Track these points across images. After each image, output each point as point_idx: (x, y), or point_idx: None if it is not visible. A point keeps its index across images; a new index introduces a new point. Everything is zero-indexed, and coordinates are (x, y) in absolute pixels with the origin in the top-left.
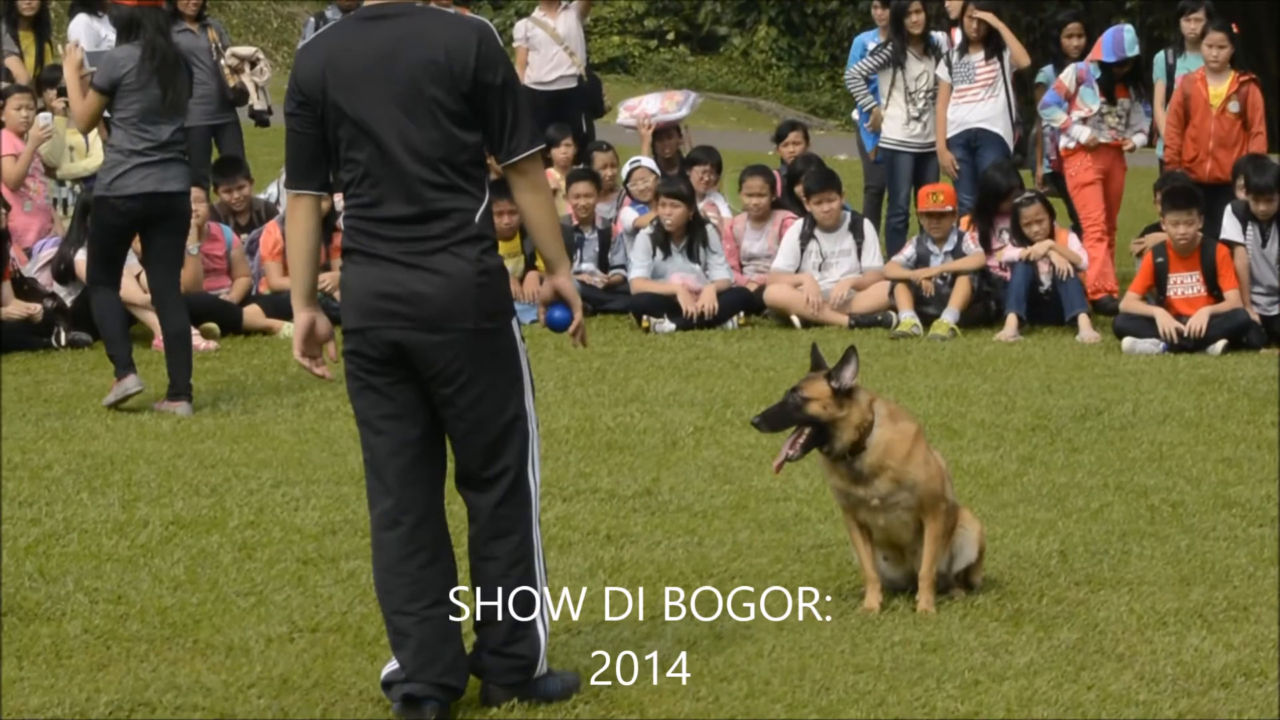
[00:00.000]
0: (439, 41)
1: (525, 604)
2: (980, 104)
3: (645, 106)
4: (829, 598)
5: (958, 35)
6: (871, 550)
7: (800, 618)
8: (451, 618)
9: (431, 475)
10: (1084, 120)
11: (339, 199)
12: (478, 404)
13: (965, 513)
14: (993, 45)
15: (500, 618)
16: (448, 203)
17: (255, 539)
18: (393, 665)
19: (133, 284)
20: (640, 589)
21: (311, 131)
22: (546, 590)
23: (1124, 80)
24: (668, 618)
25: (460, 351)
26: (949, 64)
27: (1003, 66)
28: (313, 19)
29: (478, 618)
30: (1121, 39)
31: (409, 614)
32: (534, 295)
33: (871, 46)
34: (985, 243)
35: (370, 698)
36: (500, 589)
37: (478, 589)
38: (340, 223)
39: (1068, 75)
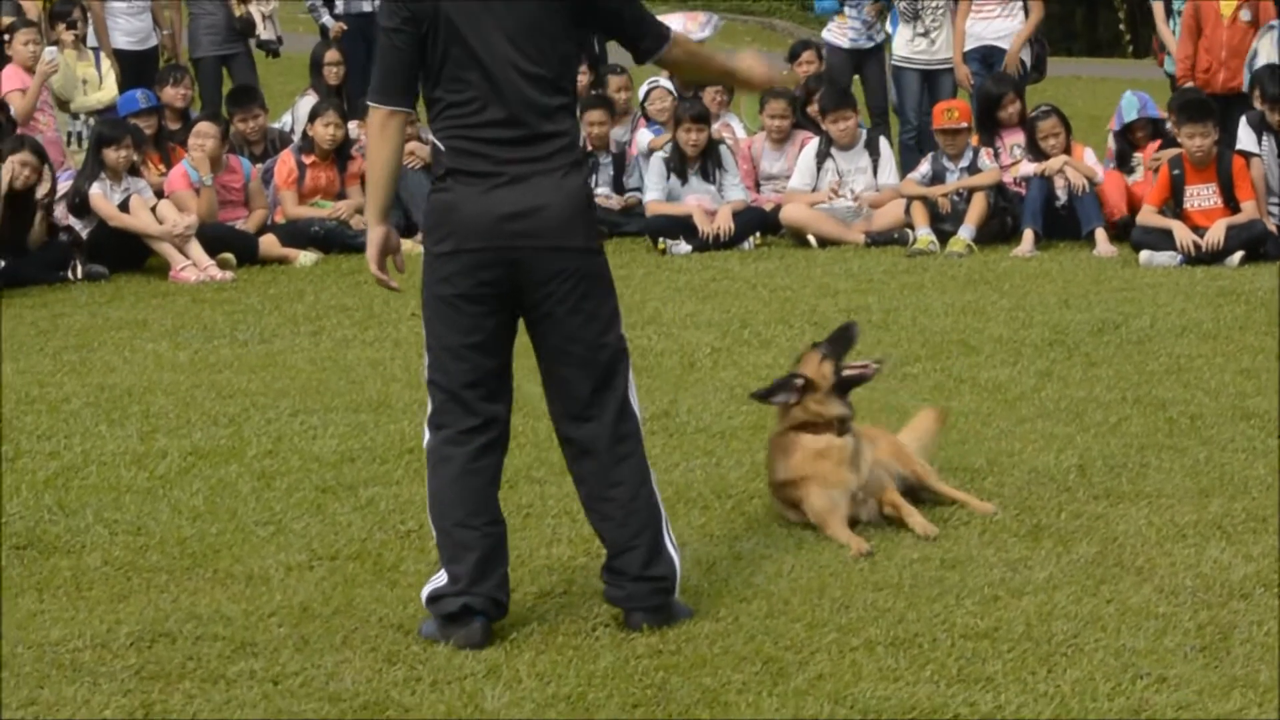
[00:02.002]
0: None
1: (657, 525)
2: (997, 20)
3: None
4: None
5: None
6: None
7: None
8: (503, 543)
9: (508, 406)
10: None
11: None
12: (590, 324)
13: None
14: None
15: (636, 542)
16: (556, 124)
17: (274, 468)
18: (440, 580)
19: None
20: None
21: (412, 48)
22: (669, 525)
23: (1144, 142)
24: (686, 539)
25: (576, 271)
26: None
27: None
28: None
29: (612, 549)
30: (1120, 109)
31: (473, 528)
32: None
33: None
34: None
35: (391, 623)
36: (632, 515)
37: (606, 521)
38: (433, 140)
39: None
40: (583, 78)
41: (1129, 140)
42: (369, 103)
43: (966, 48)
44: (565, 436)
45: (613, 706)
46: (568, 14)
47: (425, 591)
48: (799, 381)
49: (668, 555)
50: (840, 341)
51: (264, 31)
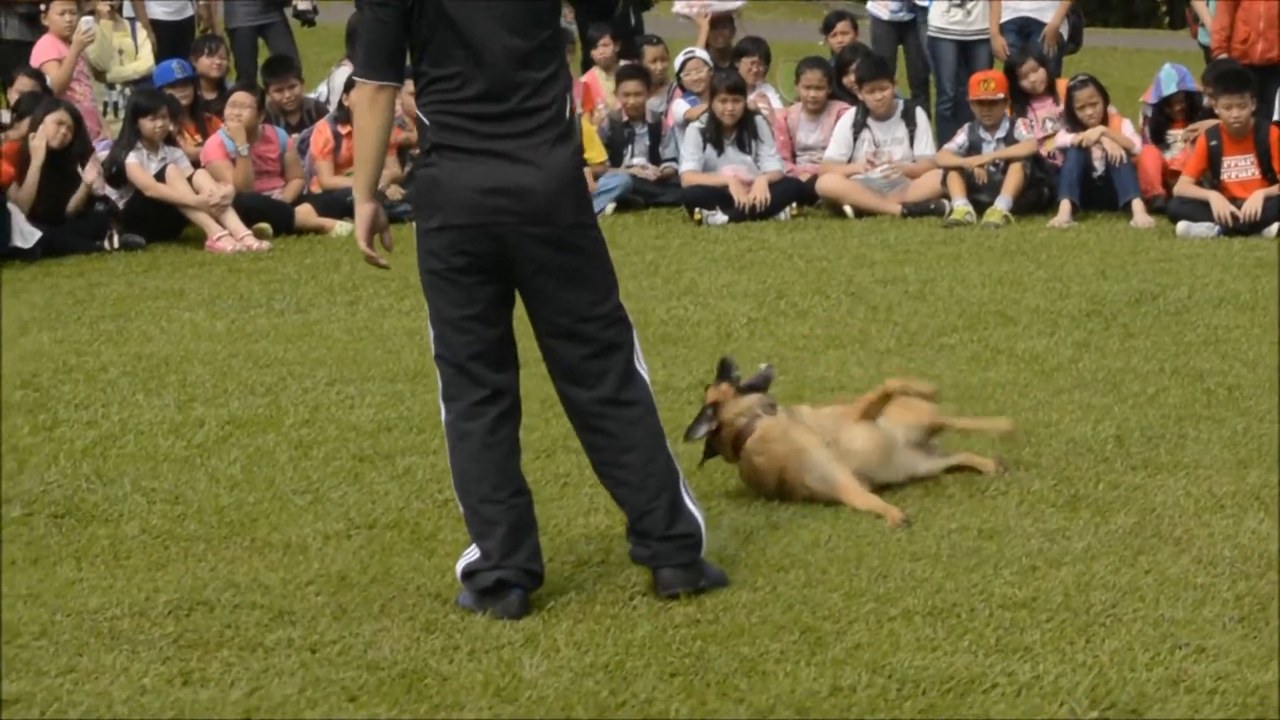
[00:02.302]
0: None
1: (675, 486)
2: None
3: None
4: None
5: None
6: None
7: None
8: (530, 511)
9: (512, 373)
10: None
11: None
12: (579, 297)
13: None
14: None
15: (655, 504)
16: (541, 98)
17: (311, 437)
18: (472, 555)
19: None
20: (695, 481)
21: (397, 21)
22: (686, 483)
23: (1182, 116)
24: (723, 510)
25: (564, 245)
26: None
27: None
28: None
29: (632, 513)
30: (1159, 81)
31: (498, 502)
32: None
33: None
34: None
35: (429, 592)
36: (648, 478)
37: (622, 487)
38: (419, 115)
39: None
40: (606, 51)
41: (1165, 114)
42: (355, 78)
43: (1003, 19)
44: (567, 401)
45: (650, 675)
46: None
47: (459, 566)
48: (709, 410)
49: (689, 513)
50: (724, 372)
51: (300, 1)
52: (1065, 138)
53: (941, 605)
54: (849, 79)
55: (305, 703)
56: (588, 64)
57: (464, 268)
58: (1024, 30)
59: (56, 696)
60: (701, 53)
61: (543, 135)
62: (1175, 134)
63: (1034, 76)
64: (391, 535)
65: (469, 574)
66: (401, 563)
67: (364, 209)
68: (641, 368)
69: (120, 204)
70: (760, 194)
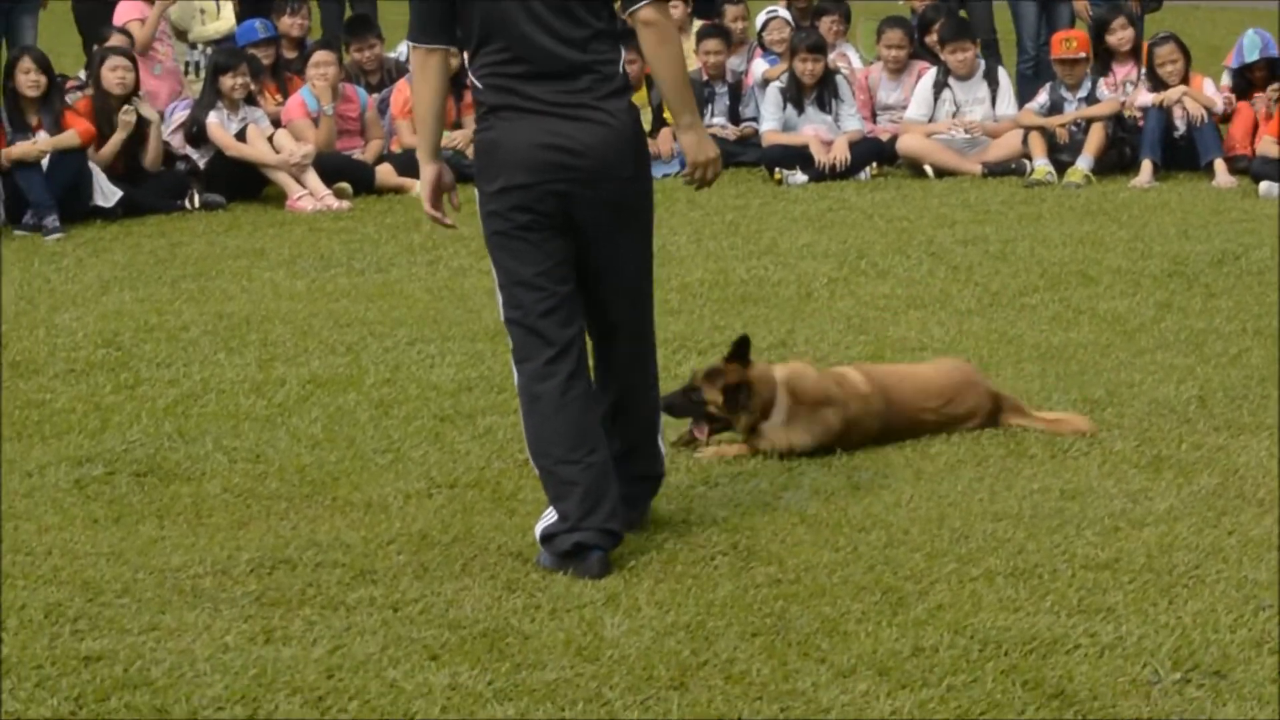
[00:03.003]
0: None
1: (656, 431)
2: None
3: None
4: (965, 447)
5: None
6: None
7: (939, 465)
8: (608, 468)
9: (582, 329)
10: None
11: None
12: (633, 252)
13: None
14: None
15: (644, 444)
16: (591, 54)
17: (392, 396)
18: (550, 518)
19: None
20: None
21: None
22: (662, 429)
23: (1263, 83)
24: (804, 470)
25: (623, 200)
26: None
27: None
28: None
29: (622, 450)
30: (1241, 46)
31: (574, 462)
32: (670, 151)
33: None
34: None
35: (510, 551)
36: (643, 419)
37: (620, 425)
38: (472, 79)
39: None
40: (678, 11)
41: (1247, 79)
42: (409, 42)
43: None
44: (596, 351)
45: (731, 635)
46: None
47: (538, 529)
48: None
49: (662, 456)
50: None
51: None
52: (1146, 97)
53: (1023, 566)
54: (931, 38)
55: (387, 661)
56: None
57: (530, 224)
58: None
59: (139, 654)
60: (784, 12)
61: (597, 91)
62: (1258, 98)
63: (1122, 34)
64: (473, 494)
65: (548, 537)
66: (483, 522)
67: (428, 170)
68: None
69: (201, 163)
70: (840, 153)
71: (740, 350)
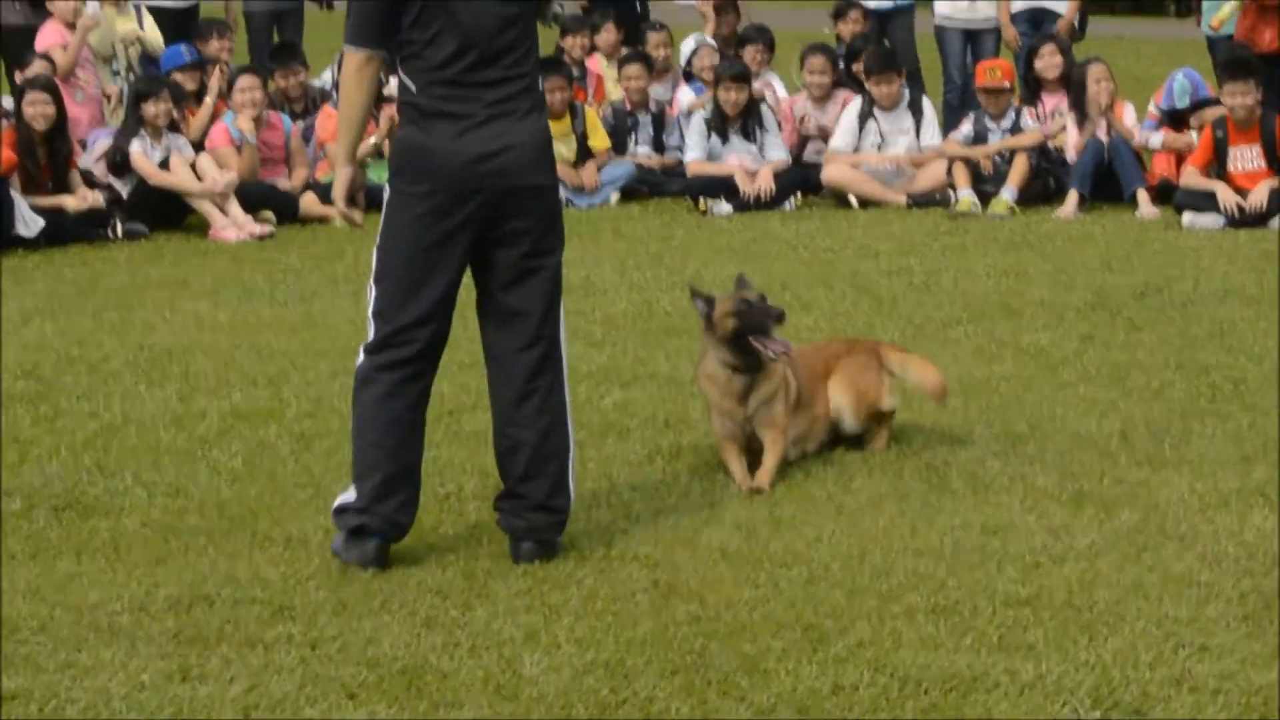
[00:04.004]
0: None
1: (564, 458)
2: None
3: None
4: (887, 482)
5: None
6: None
7: (861, 500)
8: (413, 471)
9: (442, 341)
10: None
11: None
12: (547, 254)
13: (834, 389)
14: None
15: (544, 472)
16: (521, 67)
17: (313, 429)
18: (348, 496)
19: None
20: (699, 475)
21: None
22: (574, 462)
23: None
24: (726, 504)
25: (539, 205)
26: None
27: None
28: None
29: (518, 475)
30: (1171, 89)
31: (382, 448)
32: (595, 183)
33: None
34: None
35: (429, 588)
36: (543, 446)
37: (515, 451)
38: (402, 85)
39: None
40: (609, 38)
41: (1176, 119)
42: (345, 45)
43: (1017, 9)
44: (503, 366)
45: (651, 673)
46: None
47: (335, 503)
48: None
49: (569, 490)
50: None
51: None
52: (1073, 135)
53: (944, 603)
54: (858, 66)
55: (305, 700)
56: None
57: (447, 230)
58: (1036, 20)
59: (55, 693)
60: (712, 40)
61: (522, 101)
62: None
63: (1050, 60)
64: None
65: (340, 510)
66: (402, 557)
67: (344, 170)
68: (564, 344)
69: (124, 192)
70: (765, 184)
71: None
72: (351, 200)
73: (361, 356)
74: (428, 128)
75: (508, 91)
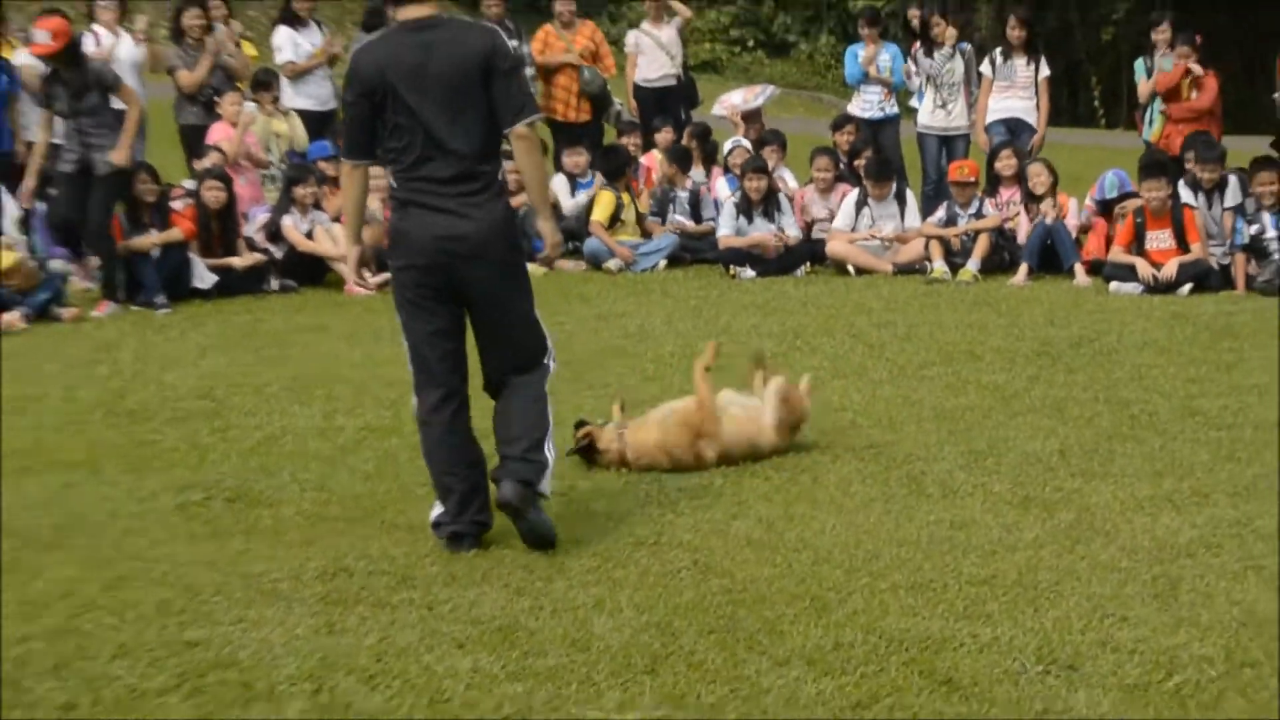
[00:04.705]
0: (465, 42)
1: (542, 430)
2: (1021, 100)
3: (732, 99)
4: (876, 488)
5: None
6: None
7: (856, 501)
8: (480, 478)
9: (464, 376)
10: None
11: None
12: (512, 310)
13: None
14: (1032, 51)
15: (521, 433)
16: (480, 165)
17: None
18: (438, 510)
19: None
20: (729, 480)
21: (370, 115)
22: (554, 447)
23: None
24: (751, 503)
25: (492, 266)
26: (993, 64)
27: (1037, 70)
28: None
29: (505, 439)
30: (1103, 184)
31: (453, 474)
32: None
33: (863, 55)
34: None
35: (519, 564)
36: (524, 416)
37: (506, 421)
38: (390, 182)
39: None
40: (667, 136)
41: (1108, 208)
42: (341, 158)
43: (996, 116)
44: (496, 384)
45: (692, 632)
46: (482, 80)
47: (430, 516)
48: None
49: (544, 456)
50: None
51: None
52: (1025, 223)
53: (920, 581)
54: (858, 162)
55: (423, 649)
56: (649, 146)
57: (425, 295)
58: (1012, 127)
59: (229, 641)
60: (745, 141)
61: (481, 195)
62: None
63: (1006, 161)
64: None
65: (436, 525)
66: (498, 540)
67: (352, 249)
68: (551, 360)
69: (278, 255)
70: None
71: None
72: (365, 267)
73: (414, 401)
74: (406, 215)
75: (469, 186)
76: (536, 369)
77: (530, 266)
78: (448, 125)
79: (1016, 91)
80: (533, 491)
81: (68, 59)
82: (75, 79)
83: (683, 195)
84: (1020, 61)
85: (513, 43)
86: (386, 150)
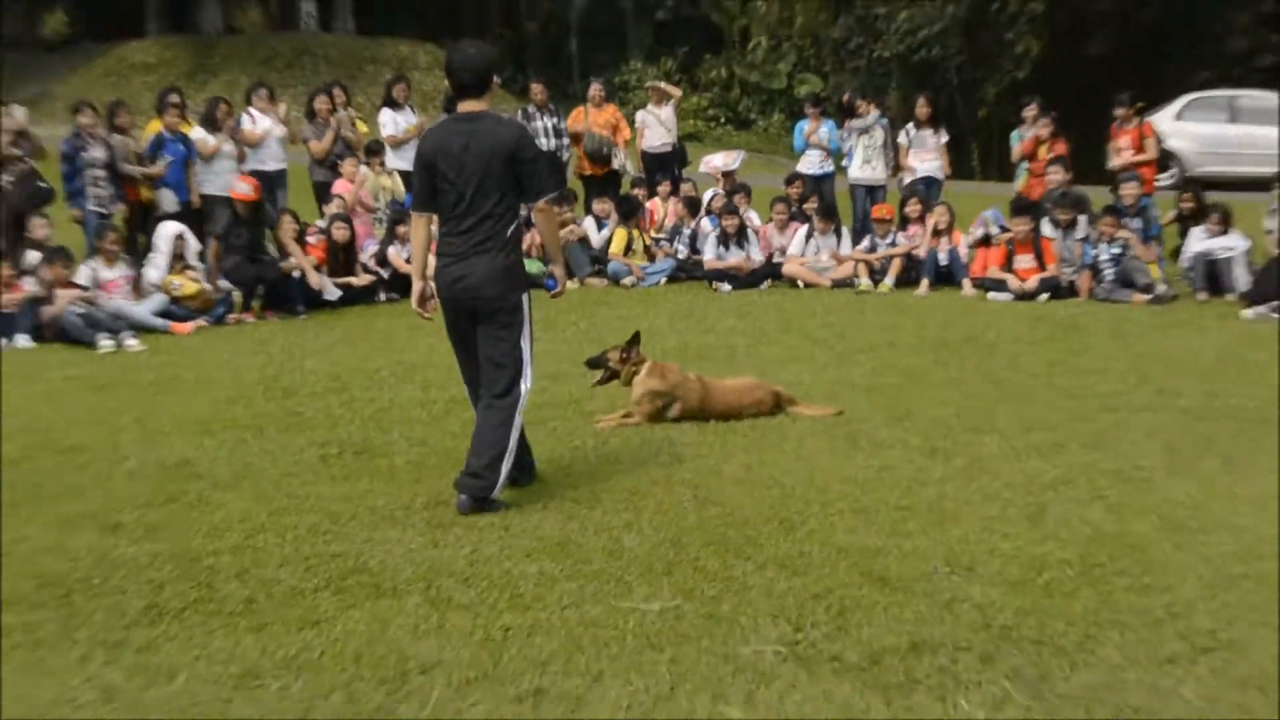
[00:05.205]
0: (497, 134)
1: (500, 451)
2: (931, 162)
3: (714, 161)
4: (825, 441)
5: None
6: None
7: (810, 451)
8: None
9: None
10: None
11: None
12: (501, 342)
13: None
14: (935, 123)
15: (482, 452)
16: (496, 224)
17: None
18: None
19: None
20: (720, 437)
21: (428, 179)
22: (510, 459)
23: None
24: (736, 455)
25: (491, 315)
26: (908, 135)
27: (939, 138)
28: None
29: (472, 456)
30: (984, 219)
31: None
32: (639, 272)
33: (807, 128)
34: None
35: (569, 498)
36: (486, 437)
37: (474, 440)
38: (437, 230)
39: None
40: (665, 189)
41: (985, 240)
42: (409, 209)
43: (916, 176)
44: (483, 397)
45: (696, 545)
46: (505, 163)
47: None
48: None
49: (498, 470)
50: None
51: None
52: (925, 246)
53: (859, 508)
54: (807, 206)
55: (503, 558)
56: (652, 194)
57: (453, 320)
58: (927, 182)
59: (361, 553)
60: (722, 191)
61: (490, 245)
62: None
63: (912, 207)
64: (545, 466)
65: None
66: (552, 476)
67: (417, 285)
68: (524, 386)
69: (385, 276)
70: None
71: (634, 338)
72: (424, 302)
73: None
74: (440, 264)
75: (480, 238)
76: (509, 394)
77: (570, 284)
78: (473, 193)
79: (926, 155)
80: (482, 503)
81: (253, 212)
82: (253, 225)
83: (686, 231)
84: (927, 132)
85: (553, 120)
86: (438, 206)
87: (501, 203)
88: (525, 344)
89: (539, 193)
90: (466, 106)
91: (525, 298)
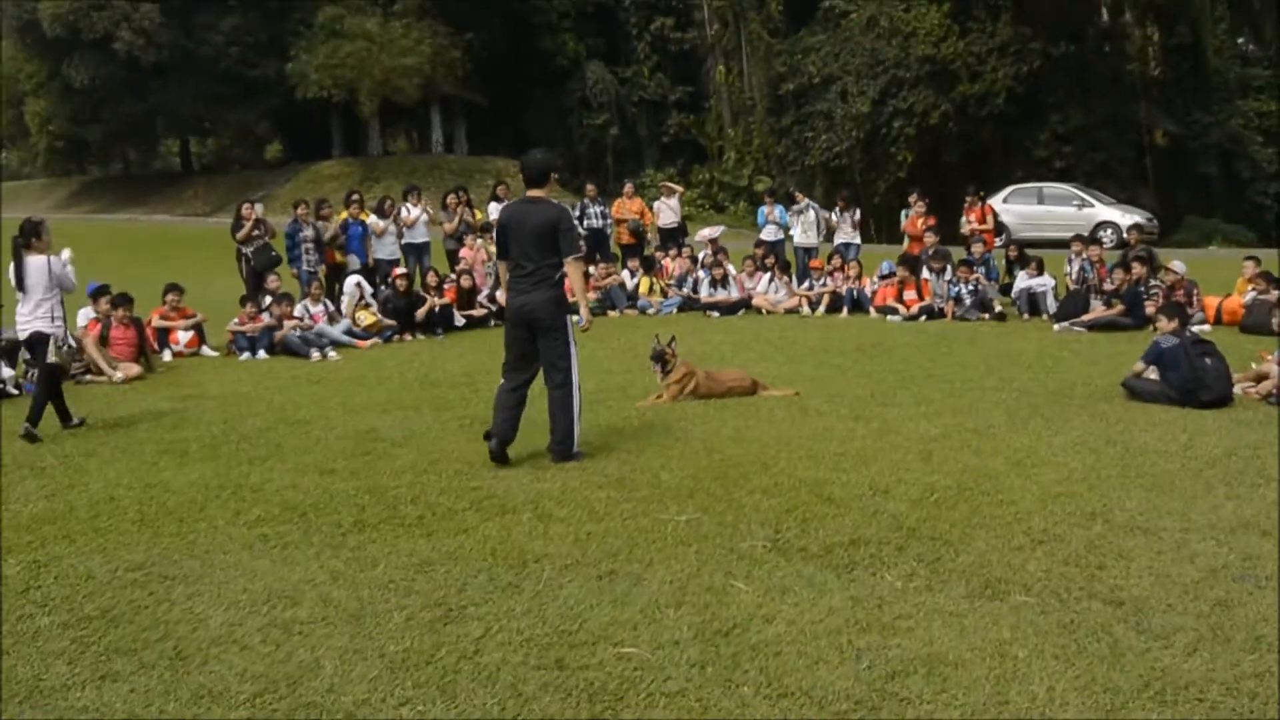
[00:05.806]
0: (546, 214)
1: (568, 419)
2: (850, 234)
3: (705, 233)
4: (785, 414)
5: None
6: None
7: (780, 419)
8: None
9: (529, 377)
10: None
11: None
12: (553, 349)
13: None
14: (851, 207)
15: (556, 428)
16: (548, 270)
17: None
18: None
19: None
20: (718, 411)
21: (505, 240)
22: (578, 424)
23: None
24: (729, 421)
25: (546, 330)
26: (834, 215)
27: (854, 217)
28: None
29: (551, 425)
30: (883, 268)
31: (498, 413)
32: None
33: (766, 211)
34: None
35: (621, 449)
36: (558, 417)
37: (551, 414)
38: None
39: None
40: (672, 252)
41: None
42: (497, 259)
43: (839, 242)
44: (547, 389)
45: (707, 479)
46: (551, 228)
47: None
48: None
49: (572, 434)
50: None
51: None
52: (845, 286)
53: (810, 454)
54: (769, 261)
55: (580, 488)
56: (665, 253)
57: (514, 336)
58: (848, 247)
59: (490, 486)
60: (710, 252)
61: (544, 284)
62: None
63: (837, 260)
64: (607, 431)
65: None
66: (607, 439)
67: (505, 296)
68: (574, 378)
69: (494, 309)
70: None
71: (672, 339)
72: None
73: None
74: (510, 292)
75: (534, 279)
76: (564, 385)
77: (612, 313)
78: (529, 249)
79: (846, 229)
80: (566, 456)
81: (409, 286)
82: (407, 294)
83: (689, 279)
84: (848, 214)
85: (601, 208)
86: (511, 257)
87: (550, 257)
88: (571, 350)
89: (568, 252)
90: (532, 193)
91: (567, 320)
